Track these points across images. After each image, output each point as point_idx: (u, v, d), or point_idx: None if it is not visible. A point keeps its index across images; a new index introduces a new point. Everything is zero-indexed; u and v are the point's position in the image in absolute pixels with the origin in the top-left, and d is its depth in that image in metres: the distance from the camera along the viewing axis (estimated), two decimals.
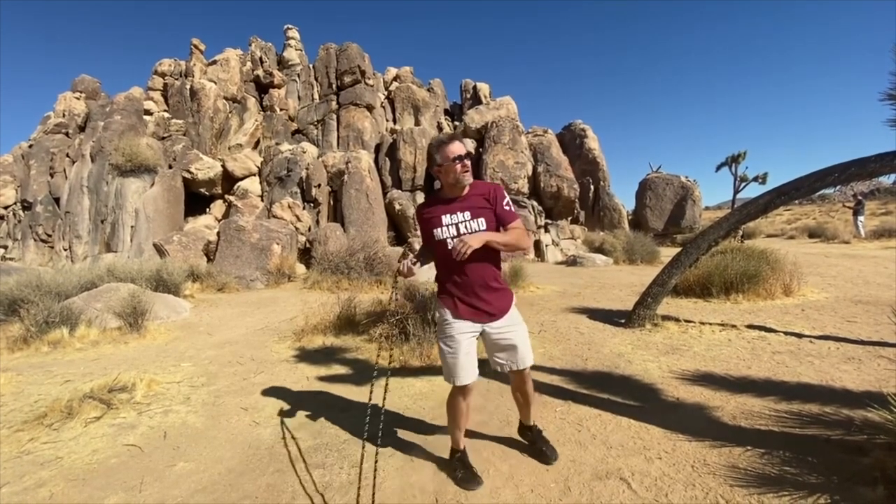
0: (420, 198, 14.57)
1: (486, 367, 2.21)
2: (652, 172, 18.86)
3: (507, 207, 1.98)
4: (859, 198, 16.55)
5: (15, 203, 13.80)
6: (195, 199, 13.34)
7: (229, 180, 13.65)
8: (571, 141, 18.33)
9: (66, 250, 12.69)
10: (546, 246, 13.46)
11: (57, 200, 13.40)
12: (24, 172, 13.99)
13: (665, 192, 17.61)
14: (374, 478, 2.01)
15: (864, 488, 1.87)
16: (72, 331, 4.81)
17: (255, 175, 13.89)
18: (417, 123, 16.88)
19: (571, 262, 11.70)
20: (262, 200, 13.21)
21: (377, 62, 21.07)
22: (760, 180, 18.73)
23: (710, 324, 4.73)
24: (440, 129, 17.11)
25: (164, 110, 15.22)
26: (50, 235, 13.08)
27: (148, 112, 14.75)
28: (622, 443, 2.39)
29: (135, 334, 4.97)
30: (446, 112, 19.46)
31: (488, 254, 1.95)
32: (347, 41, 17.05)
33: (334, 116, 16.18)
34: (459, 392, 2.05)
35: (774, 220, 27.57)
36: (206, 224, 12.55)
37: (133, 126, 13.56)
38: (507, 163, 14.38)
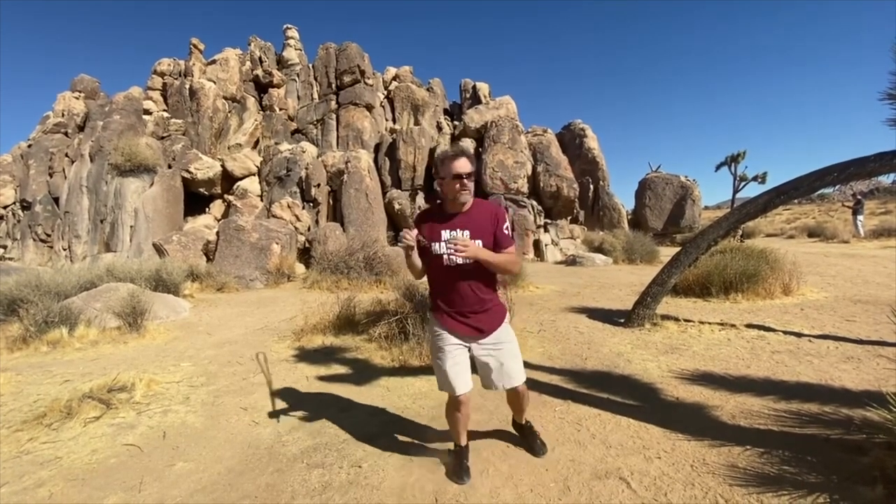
0: (420, 198, 14.57)
1: None
2: (651, 172, 18.86)
3: (506, 231, 1.98)
4: (858, 197, 16.55)
5: (14, 203, 13.78)
6: (194, 199, 13.33)
7: (229, 180, 13.64)
8: (571, 140, 18.33)
9: (65, 250, 12.68)
10: (545, 245, 13.46)
11: (56, 200, 13.39)
12: (23, 172, 13.97)
13: (664, 192, 17.62)
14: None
15: (864, 487, 1.87)
16: (71, 331, 4.81)
17: (254, 175, 13.88)
18: (417, 123, 16.87)
19: (571, 261, 11.70)
20: (262, 200, 13.20)
21: (376, 62, 21.07)
22: (760, 180, 18.74)
23: (710, 323, 4.73)
24: (440, 128, 17.11)
25: (164, 110, 15.21)
26: (49, 235, 13.06)
27: (147, 112, 14.73)
28: (621, 442, 2.39)
29: (134, 334, 4.97)
30: (446, 112, 19.46)
31: (482, 271, 1.97)
32: (347, 41, 17.04)
33: (334, 116, 16.17)
34: (454, 403, 2.07)
35: (774, 220, 27.58)
36: (205, 224, 12.54)
37: (132, 126, 13.55)
38: (507, 162, 14.38)
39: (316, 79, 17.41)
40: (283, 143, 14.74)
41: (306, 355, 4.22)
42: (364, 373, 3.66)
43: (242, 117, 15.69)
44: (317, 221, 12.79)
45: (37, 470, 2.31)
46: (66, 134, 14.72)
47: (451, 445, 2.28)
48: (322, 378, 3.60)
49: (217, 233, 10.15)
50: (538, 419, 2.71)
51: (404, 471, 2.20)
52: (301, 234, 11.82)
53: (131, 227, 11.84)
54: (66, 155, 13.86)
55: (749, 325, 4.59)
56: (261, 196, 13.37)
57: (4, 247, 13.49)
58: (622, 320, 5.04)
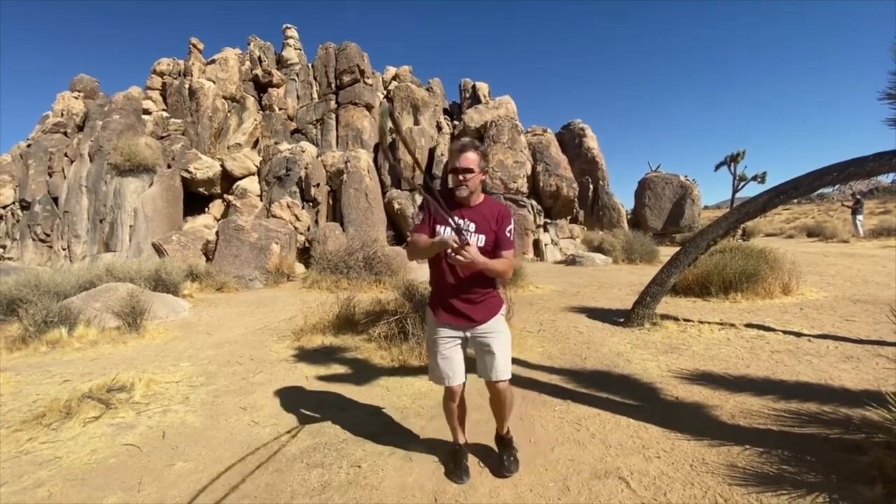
0: (419, 198, 14.56)
1: None
2: (651, 172, 18.86)
3: (508, 234, 1.97)
4: (858, 197, 16.56)
5: (13, 203, 13.77)
6: (194, 199, 13.31)
7: (228, 180, 13.63)
8: (570, 140, 18.33)
9: (64, 250, 12.66)
10: (545, 245, 13.46)
11: (55, 200, 13.37)
12: (22, 172, 13.95)
13: (664, 192, 17.62)
14: None
15: (863, 487, 1.87)
16: (70, 330, 4.80)
17: (253, 174, 13.87)
18: (416, 123, 16.86)
19: (570, 261, 11.71)
20: (261, 200, 13.19)
21: (376, 61, 21.05)
22: (759, 179, 18.76)
23: (709, 323, 4.73)
24: (439, 128, 17.09)
25: (163, 110, 15.18)
26: (48, 235, 13.05)
27: (146, 111, 14.70)
28: (621, 442, 2.39)
29: (133, 334, 4.97)
30: (445, 111, 19.44)
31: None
32: (346, 40, 17.02)
33: (333, 116, 16.16)
34: (447, 393, 2.10)
35: (773, 220, 27.60)
36: (204, 224, 12.53)
37: (132, 125, 13.53)
38: (507, 162, 14.38)
39: (315, 78, 17.40)
40: (283, 142, 14.73)
41: (306, 355, 4.22)
42: (363, 372, 3.66)
43: (242, 117, 15.68)
44: (316, 221, 12.78)
45: (36, 470, 2.31)
46: (65, 134, 14.70)
47: (450, 445, 2.28)
48: (322, 378, 3.60)
49: (216, 232, 10.15)
50: (538, 419, 2.71)
51: (404, 470, 2.20)
52: (301, 233, 11.82)
53: (131, 226, 11.83)
54: (66, 155, 13.84)
55: (748, 325, 4.59)
56: (260, 196, 13.36)
57: (4, 247, 13.47)
58: (622, 320, 5.04)
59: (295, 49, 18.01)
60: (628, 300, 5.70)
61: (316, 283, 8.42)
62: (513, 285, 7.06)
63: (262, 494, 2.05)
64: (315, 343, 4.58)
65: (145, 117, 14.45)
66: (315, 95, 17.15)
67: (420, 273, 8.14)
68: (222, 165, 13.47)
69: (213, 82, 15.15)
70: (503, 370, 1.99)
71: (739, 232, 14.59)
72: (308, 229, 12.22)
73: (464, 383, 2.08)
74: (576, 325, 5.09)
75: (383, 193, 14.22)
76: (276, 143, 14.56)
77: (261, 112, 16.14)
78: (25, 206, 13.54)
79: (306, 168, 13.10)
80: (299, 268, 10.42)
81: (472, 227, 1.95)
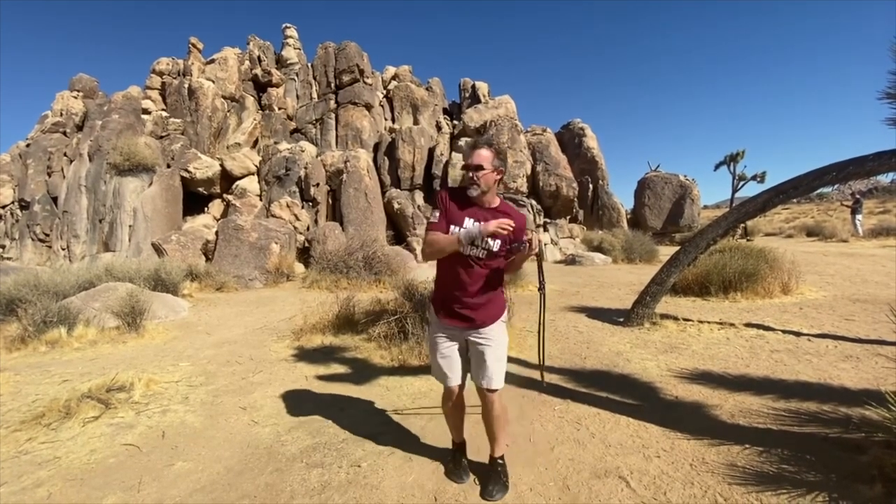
0: (419, 197, 14.55)
1: None
2: (651, 171, 18.87)
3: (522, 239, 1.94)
4: (857, 196, 16.57)
5: (12, 202, 13.74)
6: (193, 199, 13.29)
7: (228, 179, 13.61)
8: (570, 140, 18.32)
9: (63, 250, 12.65)
10: (545, 245, 13.46)
11: (55, 200, 13.35)
12: (21, 172, 13.93)
13: (664, 191, 17.62)
14: None
15: (863, 486, 1.87)
16: (70, 330, 4.79)
17: (253, 174, 13.86)
18: (416, 122, 16.85)
19: (570, 260, 11.71)
20: (261, 200, 13.18)
21: (375, 61, 21.03)
22: (759, 179, 18.78)
23: (709, 322, 4.74)
24: (439, 128, 17.07)
25: (162, 109, 15.16)
26: (48, 235, 13.03)
27: (146, 111, 14.68)
28: (621, 441, 2.39)
29: (133, 334, 4.96)
30: (445, 111, 19.42)
31: (492, 265, 1.93)
32: (346, 40, 17.01)
33: (333, 115, 16.15)
34: (445, 392, 2.09)
35: (773, 219, 27.61)
36: (204, 223, 12.52)
37: (131, 125, 13.51)
38: (507, 162, 14.38)
39: (315, 78, 17.38)
40: (282, 142, 14.72)
41: (305, 355, 4.22)
42: (363, 372, 3.66)
43: (241, 117, 15.66)
44: (316, 221, 12.78)
45: (35, 470, 2.30)
46: (64, 133, 14.68)
47: (450, 445, 2.28)
48: (321, 377, 3.60)
49: (216, 232, 10.14)
50: (538, 418, 2.72)
51: (403, 470, 2.20)
52: (300, 233, 11.81)
53: (130, 226, 11.81)
54: (65, 154, 13.82)
55: (748, 325, 4.60)
56: (260, 195, 13.35)
57: (3, 246, 13.46)
58: (621, 319, 5.04)
59: (294, 49, 18.00)
60: (628, 300, 5.70)
61: (315, 283, 8.42)
62: (512, 285, 7.05)
63: (261, 494, 2.05)
64: (315, 343, 4.58)
65: (145, 117, 14.43)
66: (314, 95, 17.14)
67: (419, 273, 8.13)
68: (222, 165, 13.46)
69: (213, 82, 15.13)
70: (494, 378, 1.93)
71: (741, 231, 14.58)
72: (308, 229, 12.21)
73: (462, 383, 2.07)
74: (575, 324, 5.09)
75: (383, 193, 14.21)
76: (275, 143, 14.55)
77: (260, 112, 16.13)
78: (24, 205, 13.52)
79: (306, 168, 13.10)
80: (299, 267, 10.42)
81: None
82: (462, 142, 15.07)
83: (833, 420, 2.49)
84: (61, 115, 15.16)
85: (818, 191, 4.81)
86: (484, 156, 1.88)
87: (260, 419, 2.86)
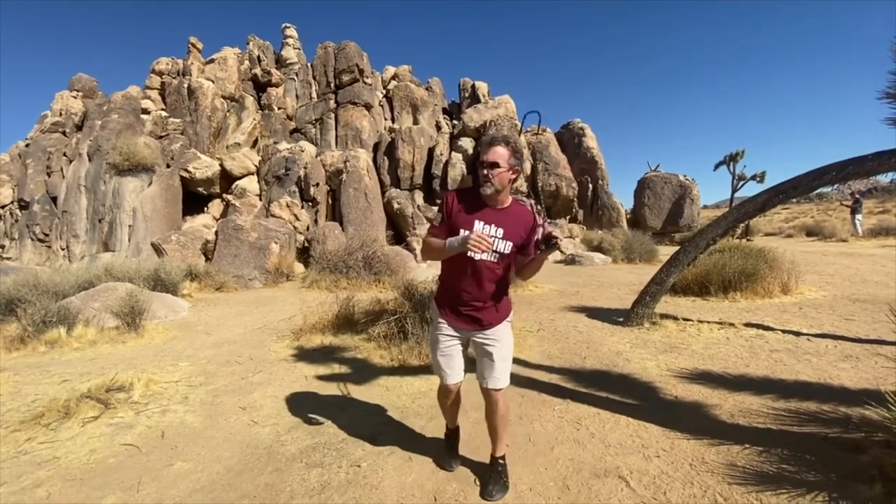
0: (418, 197, 14.55)
1: None
2: (650, 171, 18.87)
3: (533, 243, 1.91)
4: (857, 196, 16.57)
5: (12, 202, 13.73)
6: (193, 199, 13.29)
7: (227, 179, 13.61)
8: (570, 140, 18.33)
9: (63, 250, 12.64)
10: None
11: (54, 200, 13.34)
12: (21, 171, 13.92)
13: (663, 191, 17.63)
14: None
15: (862, 486, 1.87)
16: (69, 330, 4.79)
17: (253, 174, 13.85)
18: (416, 122, 16.85)
19: (570, 260, 11.71)
20: (261, 199, 13.17)
21: (375, 61, 21.02)
22: (758, 179, 18.77)
23: (709, 322, 4.74)
24: (438, 128, 17.07)
25: (162, 109, 15.15)
26: (47, 235, 13.02)
27: (145, 111, 14.67)
28: (621, 441, 2.39)
29: (132, 334, 4.96)
30: (445, 111, 19.42)
31: (500, 268, 1.90)
32: (346, 40, 17.00)
33: (332, 115, 16.14)
34: (443, 389, 2.09)
35: (772, 219, 27.62)
36: (204, 223, 12.51)
37: (130, 125, 13.50)
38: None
39: (315, 78, 17.37)
40: (282, 142, 14.71)
41: (305, 355, 4.22)
42: (363, 372, 3.66)
43: (241, 116, 15.66)
44: (315, 221, 12.77)
45: (35, 470, 2.30)
46: (64, 133, 14.67)
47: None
48: (321, 377, 3.59)
49: (216, 232, 10.13)
50: (537, 418, 2.71)
51: (403, 470, 2.20)
52: (300, 233, 11.81)
53: (130, 226, 11.81)
54: (65, 154, 13.81)
55: (748, 324, 4.60)
56: (259, 195, 13.34)
57: (2, 246, 13.45)
58: (621, 319, 5.04)
59: (294, 48, 17.99)
60: (628, 299, 5.70)
61: (315, 283, 8.42)
62: (512, 285, 7.05)
63: (261, 494, 2.05)
64: (314, 342, 4.58)
65: (144, 117, 14.42)
66: (314, 95, 17.13)
67: (419, 272, 8.13)
68: (221, 165, 13.45)
69: (212, 82, 15.12)
70: (500, 379, 1.93)
71: (739, 230, 14.56)
72: (307, 229, 12.21)
73: (461, 381, 2.07)
74: (575, 324, 5.09)
75: (382, 193, 14.21)
76: (275, 143, 14.54)
77: (260, 111, 16.13)
78: (24, 205, 13.51)
79: (305, 167, 13.09)
80: (298, 267, 10.41)
81: (500, 232, 1.84)
82: (461, 141, 15.07)
83: (833, 420, 2.49)
84: (61, 114, 15.15)
85: (818, 191, 4.81)
86: (500, 153, 1.80)
87: (259, 419, 2.86)
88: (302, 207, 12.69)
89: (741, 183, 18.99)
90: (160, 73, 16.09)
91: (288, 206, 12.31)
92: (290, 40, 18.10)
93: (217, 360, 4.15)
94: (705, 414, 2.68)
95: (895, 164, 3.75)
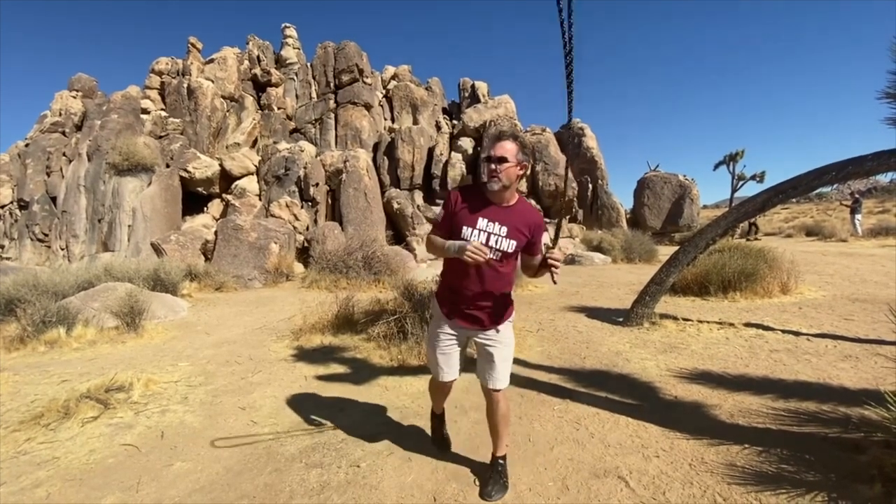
0: (418, 197, 14.55)
1: None
2: (650, 171, 18.87)
3: (540, 243, 1.93)
4: (856, 196, 16.58)
5: (11, 202, 13.73)
6: (193, 199, 13.28)
7: (227, 179, 13.60)
8: (570, 140, 18.32)
9: (62, 249, 12.63)
10: (544, 245, 13.45)
11: (54, 200, 13.34)
12: (20, 171, 13.91)
13: (663, 191, 17.63)
14: None
15: (862, 486, 1.88)
16: (69, 330, 4.79)
17: (252, 174, 13.85)
18: (416, 122, 16.85)
19: (570, 260, 11.71)
20: (260, 199, 13.17)
21: (375, 61, 21.01)
22: (758, 179, 18.82)
23: (708, 322, 4.74)
24: (438, 128, 17.07)
25: (162, 109, 15.14)
26: (47, 235, 13.01)
27: (145, 111, 14.66)
28: (620, 441, 2.39)
29: (132, 334, 4.95)
30: (444, 111, 19.42)
31: (504, 268, 1.89)
32: (345, 39, 17.00)
33: (332, 115, 16.14)
34: (437, 384, 2.12)
35: (772, 219, 27.62)
36: (203, 223, 12.50)
37: (130, 125, 13.49)
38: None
39: (314, 78, 17.36)
40: (282, 142, 14.71)
41: (305, 355, 4.22)
42: (362, 372, 3.66)
43: (241, 116, 15.65)
44: (315, 221, 12.77)
45: (34, 470, 2.30)
46: (63, 133, 14.66)
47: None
48: (320, 377, 3.59)
49: (215, 232, 10.13)
50: (537, 418, 2.71)
51: (403, 470, 2.20)
52: (300, 233, 11.80)
53: (129, 226, 11.80)
54: (64, 154, 13.81)
55: (747, 324, 4.60)
56: (259, 195, 13.34)
57: (2, 246, 13.44)
58: (621, 319, 5.04)
59: (294, 48, 17.98)
60: (627, 299, 5.70)
61: (315, 283, 8.42)
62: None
63: (260, 494, 2.05)
64: (314, 343, 4.58)
65: (144, 117, 14.41)
66: (314, 95, 17.12)
67: (419, 272, 8.13)
68: (221, 165, 13.45)
69: (212, 82, 15.12)
70: (501, 379, 1.93)
71: (740, 229, 14.52)
72: (307, 229, 12.21)
73: (455, 379, 2.09)
74: (575, 324, 5.08)
75: (382, 193, 14.21)
76: (274, 143, 14.53)
77: (259, 111, 16.12)
78: (23, 205, 13.50)
79: (305, 167, 13.09)
80: (298, 267, 10.41)
81: (504, 230, 1.81)
82: (461, 141, 15.07)
83: (832, 420, 2.49)
84: (60, 114, 15.14)
85: (817, 190, 4.82)
86: (508, 148, 1.77)
87: (259, 419, 2.86)
88: (301, 207, 12.69)
89: (741, 183, 19.02)
90: (160, 73, 16.09)
91: (287, 206, 12.31)
92: (289, 40, 18.09)
93: (217, 360, 4.14)
94: (705, 414, 2.68)
95: (895, 164, 3.75)
